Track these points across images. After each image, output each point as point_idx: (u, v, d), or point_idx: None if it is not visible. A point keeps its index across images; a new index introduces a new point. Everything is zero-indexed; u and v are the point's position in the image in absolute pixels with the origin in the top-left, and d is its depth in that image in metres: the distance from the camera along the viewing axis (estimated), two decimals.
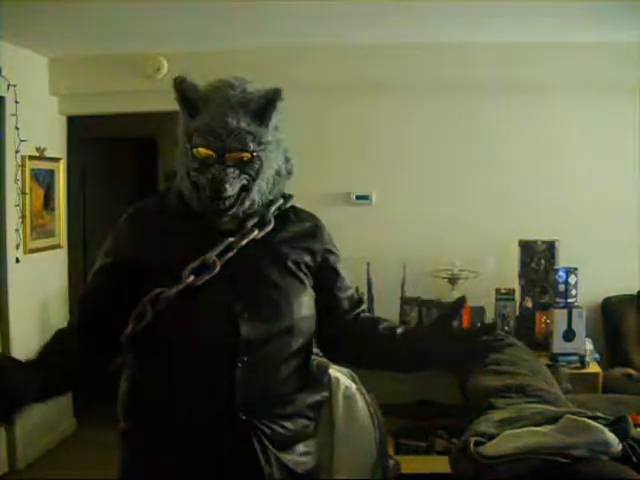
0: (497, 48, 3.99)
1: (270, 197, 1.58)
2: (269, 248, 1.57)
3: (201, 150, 1.48)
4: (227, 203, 1.48)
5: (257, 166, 1.50)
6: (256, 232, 1.55)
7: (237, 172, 1.47)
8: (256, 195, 1.53)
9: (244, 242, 1.53)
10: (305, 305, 1.57)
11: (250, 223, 1.55)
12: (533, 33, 3.81)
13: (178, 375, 1.50)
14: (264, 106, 1.50)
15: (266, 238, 1.57)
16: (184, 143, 1.53)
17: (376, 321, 1.68)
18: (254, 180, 1.51)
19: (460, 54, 4.02)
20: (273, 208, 1.59)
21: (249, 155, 1.49)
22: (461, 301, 1.52)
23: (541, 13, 3.42)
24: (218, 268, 1.49)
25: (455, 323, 1.50)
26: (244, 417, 1.48)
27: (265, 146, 1.51)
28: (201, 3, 3.25)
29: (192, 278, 1.47)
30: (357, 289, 1.75)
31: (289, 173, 1.63)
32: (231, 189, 1.47)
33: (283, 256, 1.58)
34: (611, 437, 1.59)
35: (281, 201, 1.62)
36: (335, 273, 1.67)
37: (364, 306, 1.74)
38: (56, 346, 1.49)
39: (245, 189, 1.51)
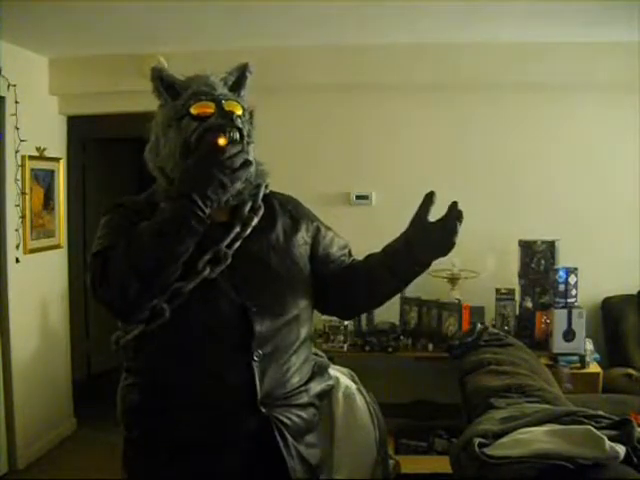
0: (497, 48, 3.99)
1: (256, 182, 1.59)
2: (267, 238, 1.59)
3: (199, 106, 1.50)
4: (234, 150, 1.44)
5: (247, 128, 1.53)
6: (255, 220, 1.56)
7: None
8: (250, 166, 1.52)
9: (248, 231, 1.54)
10: (306, 292, 1.60)
11: (245, 210, 1.56)
12: (533, 33, 3.81)
13: (192, 374, 1.48)
14: (238, 78, 1.61)
15: (261, 228, 1.58)
16: (173, 124, 1.51)
17: (363, 259, 1.68)
18: (248, 144, 1.52)
19: (461, 54, 4.02)
20: (260, 193, 1.61)
21: (241, 109, 1.54)
22: (430, 195, 1.51)
23: (542, 13, 3.42)
24: (230, 260, 1.50)
25: (428, 217, 1.51)
26: (264, 410, 1.48)
27: (247, 113, 1.57)
28: (201, 3, 3.26)
29: (208, 271, 1.47)
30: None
31: (264, 169, 1.63)
32: (240, 122, 1.50)
33: (282, 245, 1.59)
34: (621, 449, 1.59)
35: (263, 188, 1.63)
36: (328, 251, 1.69)
37: (351, 258, 1.74)
38: None
39: (242, 151, 1.48)
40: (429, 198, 1.51)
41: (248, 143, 1.52)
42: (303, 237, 1.64)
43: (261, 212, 1.59)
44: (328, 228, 1.73)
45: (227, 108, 1.51)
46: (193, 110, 1.50)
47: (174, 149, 1.51)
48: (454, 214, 1.49)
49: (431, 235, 1.50)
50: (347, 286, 1.66)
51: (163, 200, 1.47)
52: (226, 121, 1.48)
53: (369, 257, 1.66)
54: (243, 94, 1.61)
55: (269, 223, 1.61)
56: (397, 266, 1.56)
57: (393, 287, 1.64)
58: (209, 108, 1.50)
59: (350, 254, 1.74)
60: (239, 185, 1.50)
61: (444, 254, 1.52)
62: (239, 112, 1.53)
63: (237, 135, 1.48)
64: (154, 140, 1.57)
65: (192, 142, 1.48)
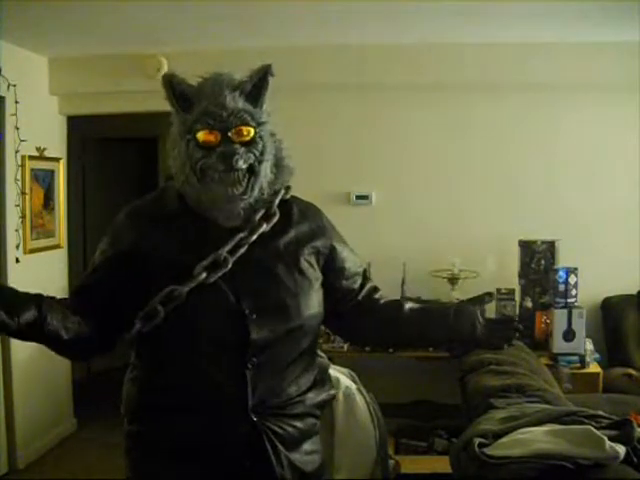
0: (497, 48, 3.99)
1: (274, 188, 1.56)
2: (276, 245, 1.55)
3: (204, 134, 1.46)
4: (239, 188, 1.46)
5: (260, 147, 1.49)
6: (265, 226, 1.53)
7: (243, 149, 1.46)
8: (263, 181, 1.51)
9: (254, 237, 1.51)
10: (313, 303, 1.55)
11: (257, 216, 1.53)
12: (533, 33, 3.81)
13: (187, 376, 1.48)
14: (257, 84, 1.52)
15: (273, 234, 1.55)
16: (183, 139, 1.49)
17: (400, 303, 1.70)
18: (260, 163, 1.49)
19: (461, 54, 4.02)
20: (277, 200, 1.56)
21: (252, 131, 1.49)
22: (490, 294, 1.63)
23: (542, 13, 3.42)
24: (230, 265, 1.47)
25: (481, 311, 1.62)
26: (255, 418, 1.47)
27: (263, 127, 1.52)
28: (201, 3, 3.25)
29: (204, 275, 1.45)
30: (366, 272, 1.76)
31: (287, 167, 1.60)
32: (242, 162, 1.45)
33: (291, 254, 1.56)
34: (621, 449, 1.59)
35: (282, 192, 1.59)
36: (342, 266, 1.65)
37: (380, 292, 1.74)
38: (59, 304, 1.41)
39: (252, 172, 1.48)
40: (488, 297, 1.62)
41: (260, 162, 1.49)
42: (318, 248, 1.60)
43: (275, 219, 1.55)
44: (345, 243, 1.69)
45: (235, 139, 1.46)
46: (199, 137, 1.47)
47: (183, 164, 1.50)
48: (516, 326, 1.61)
49: (479, 326, 1.59)
50: (365, 318, 1.69)
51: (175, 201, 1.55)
52: (225, 166, 1.44)
53: (402, 306, 1.69)
54: (263, 100, 1.54)
55: (282, 230, 1.57)
56: (429, 331, 1.65)
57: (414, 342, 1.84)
58: (215, 137, 1.46)
59: (365, 275, 1.71)
60: (250, 199, 1.50)
61: (488, 348, 1.69)
62: (249, 136, 1.48)
63: (240, 175, 1.46)
64: (173, 140, 1.56)
65: (197, 170, 1.47)
